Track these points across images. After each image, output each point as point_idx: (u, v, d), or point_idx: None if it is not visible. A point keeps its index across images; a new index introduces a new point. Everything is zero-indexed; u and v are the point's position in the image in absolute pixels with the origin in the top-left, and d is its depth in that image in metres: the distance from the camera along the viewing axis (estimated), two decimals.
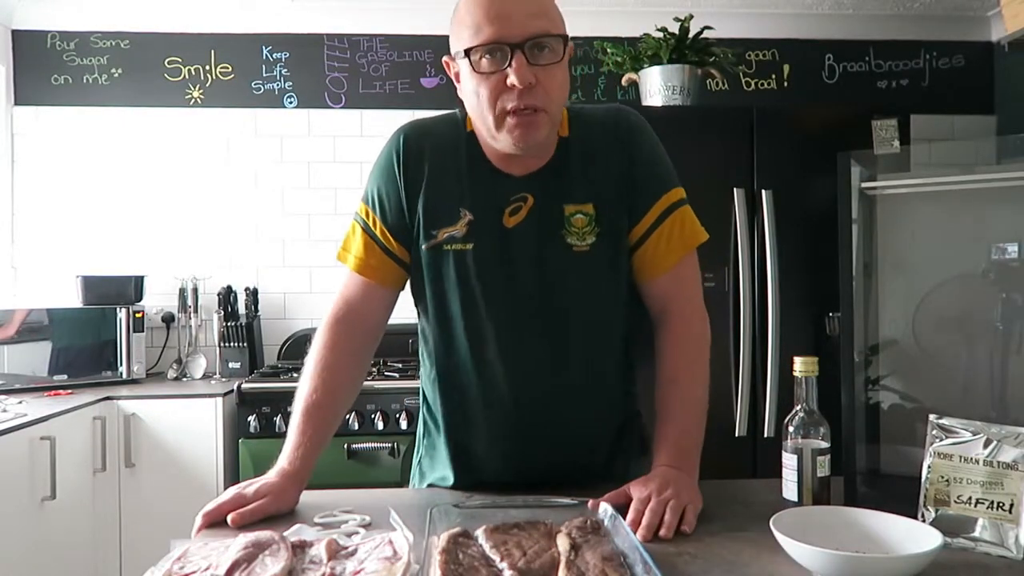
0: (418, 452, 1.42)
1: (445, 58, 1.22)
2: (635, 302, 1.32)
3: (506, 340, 1.25)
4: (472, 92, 1.15)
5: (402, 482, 1.46)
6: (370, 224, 1.28)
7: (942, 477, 1.03)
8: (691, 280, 1.30)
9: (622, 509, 1.06)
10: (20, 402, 2.62)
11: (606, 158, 1.25)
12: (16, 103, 3.36)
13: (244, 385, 2.82)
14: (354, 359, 1.30)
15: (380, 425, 2.77)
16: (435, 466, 1.36)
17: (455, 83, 1.22)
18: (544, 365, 1.26)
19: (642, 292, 1.31)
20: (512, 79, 1.10)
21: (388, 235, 1.27)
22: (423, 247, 1.25)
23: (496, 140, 1.18)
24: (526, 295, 1.24)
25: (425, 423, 1.40)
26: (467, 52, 1.12)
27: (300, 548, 0.95)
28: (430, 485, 1.35)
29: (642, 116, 1.31)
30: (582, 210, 1.23)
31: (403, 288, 1.32)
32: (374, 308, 1.31)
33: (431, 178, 1.25)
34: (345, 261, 1.31)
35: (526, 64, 1.11)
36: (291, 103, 3.45)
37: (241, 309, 3.27)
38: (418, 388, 1.42)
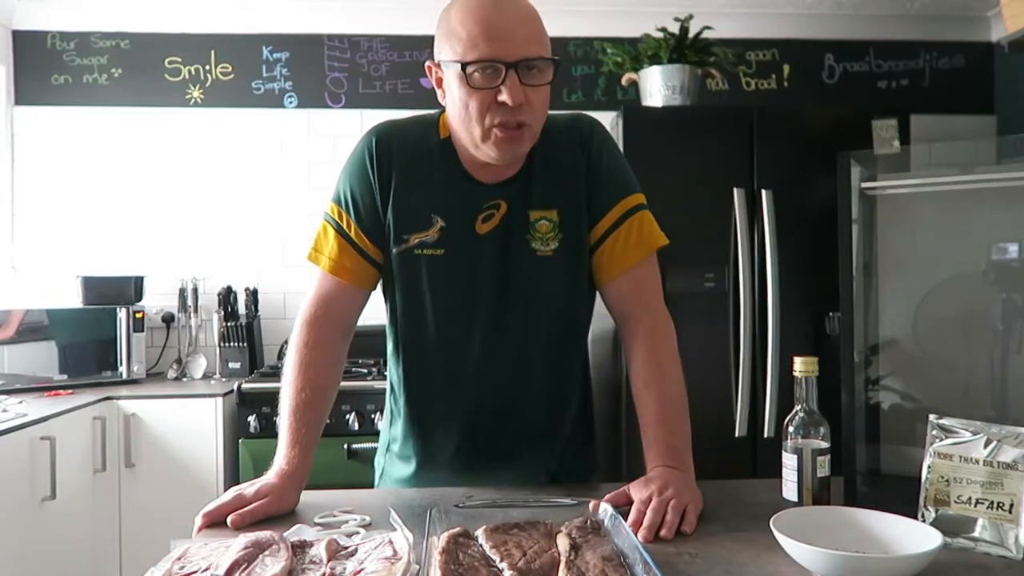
0: (385, 447, 1.44)
1: (428, 63, 1.23)
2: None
3: (474, 343, 1.28)
4: (460, 103, 1.16)
5: None
6: (343, 226, 1.29)
7: (942, 477, 1.03)
8: (651, 283, 1.32)
9: (622, 510, 1.06)
10: (20, 402, 2.61)
11: (568, 164, 1.28)
12: (16, 103, 3.36)
13: (244, 385, 2.82)
14: (334, 356, 1.32)
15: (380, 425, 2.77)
16: (400, 464, 1.38)
17: (435, 88, 1.23)
18: (508, 367, 1.29)
19: (603, 297, 1.34)
20: (504, 96, 1.13)
21: (363, 236, 1.29)
22: (394, 251, 1.27)
23: (478, 150, 1.20)
24: (494, 299, 1.27)
25: (392, 415, 1.43)
26: (463, 66, 1.13)
27: (300, 548, 0.95)
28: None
29: (602, 124, 1.35)
30: (546, 216, 1.27)
31: (375, 287, 1.34)
32: (348, 308, 1.32)
33: (403, 182, 1.27)
34: (318, 263, 1.31)
35: (519, 83, 1.13)
36: (291, 103, 3.45)
37: (241, 309, 3.27)
38: None
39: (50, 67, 3.37)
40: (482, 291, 1.26)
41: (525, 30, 1.15)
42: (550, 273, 1.27)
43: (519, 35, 1.13)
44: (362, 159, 1.29)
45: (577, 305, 1.32)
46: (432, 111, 1.33)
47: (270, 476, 1.18)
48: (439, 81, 1.22)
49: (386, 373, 2.92)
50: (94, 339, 3.01)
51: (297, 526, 1.05)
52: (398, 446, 1.39)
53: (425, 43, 3.40)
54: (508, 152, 1.20)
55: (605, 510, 1.05)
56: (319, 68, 3.45)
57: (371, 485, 1.45)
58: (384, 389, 2.75)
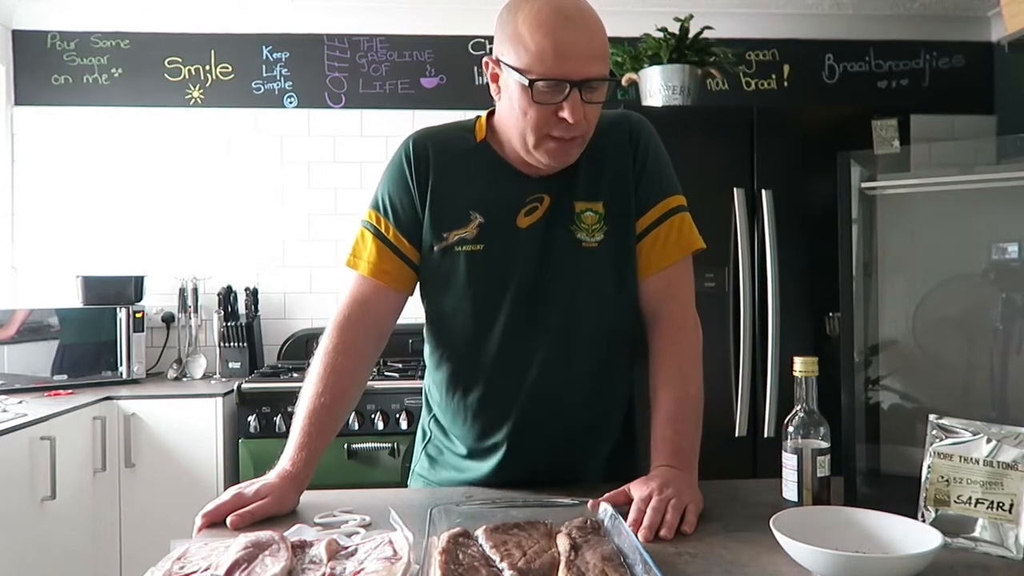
0: (418, 457, 1.42)
1: (487, 59, 1.22)
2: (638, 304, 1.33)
3: (516, 336, 1.27)
4: (519, 109, 1.17)
5: (402, 482, 1.45)
6: (382, 229, 1.30)
7: (942, 477, 1.03)
8: (685, 283, 1.32)
9: (622, 509, 1.06)
10: (20, 402, 2.62)
11: (615, 159, 1.29)
12: (16, 103, 3.36)
13: (244, 385, 2.82)
14: (362, 363, 1.31)
15: (380, 425, 2.77)
16: (441, 469, 1.36)
17: (491, 83, 1.23)
18: (553, 361, 1.27)
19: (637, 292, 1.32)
20: (565, 114, 1.15)
21: (401, 238, 1.29)
22: (434, 248, 1.27)
23: (529, 154, 1.22)
24: (536, 291, 1.26)
25: (429, 426, 1.40)
26: (529, 80, 1.13)
27: (300, 548, 0.95)
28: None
29: (649, 122, 1.34)
30: (592, 207, 1.27)
31: (412, 292, 1.34)
32: (385, 312, 1.32)
33: (441, 181, 1.28)
34: (357, 267, 1.31)
35: (580, 101, 1.15)
36: (291, 103, 3.45)
37: (241, 309, 3.27)
38: (418, 388, 1.42)
39: (50, 67, 3.37)
40: (524, 284, 1.26)
41: (592, 48, 1.15)
42: (595, 264, 1.27)
43: (586, 54, 1.14)
44: (400, 163, 1.30)
45: (623, 299, 1.30)
46: (467, 118, 1.34)
47: (271, 476, 1.18)
48: (495, 77, 1.22)
49: (388, 374, 2.94)
50: (94, 339, 3.01)
51: (297, 526, 1.05)
52: (439, 458, 1.37)
53: (425, 43, 3.44)
54: (559, 161, 1.22)
55: (605, 510, 1.05)
56: (319, 68, 3.45)
57: (371, 485, 1.45)
58: (385, 389, 2.78)
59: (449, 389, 1.33)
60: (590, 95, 1.16)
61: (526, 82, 1.14)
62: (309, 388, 1.25)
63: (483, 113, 1.33)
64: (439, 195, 1.27)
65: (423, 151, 1.29)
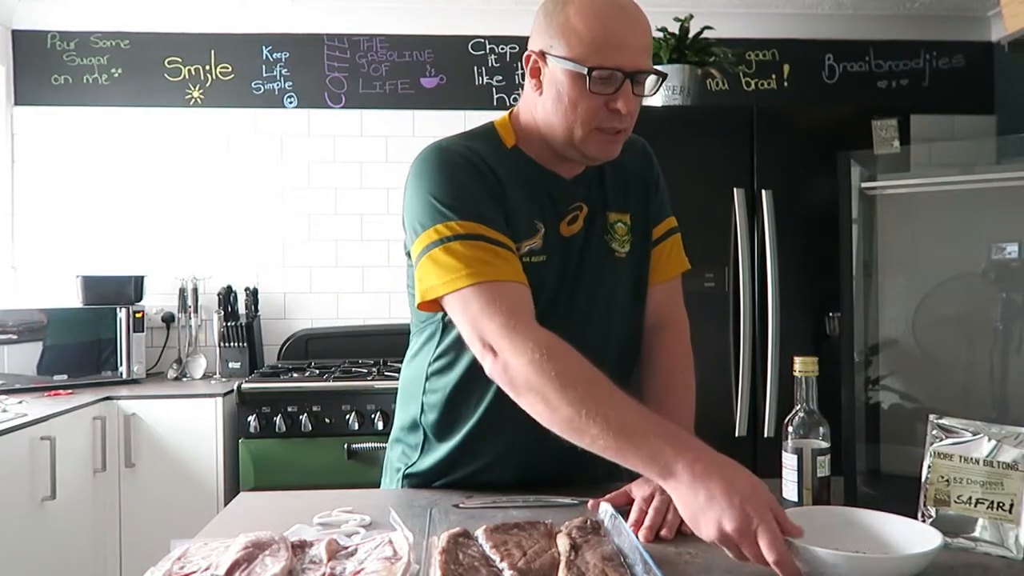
0: (411, 456, 1.39)
1: (528, 52, 1.20)
2: None
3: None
4: (568, 101, 1.15)
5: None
6: (486, 234, 1.13)
7: (942, 477, 1.03)
8: (680, 298, 1.38)
9: (622, 509, 1.06)
10: (20, 402, 2.62)
11: (638, 174, 1.34)
12: (16, 103, 3.36)
13: (244, 385, 2.81)
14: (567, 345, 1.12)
15: (380, 425, 2.77)
16: (431, 473, 1.34)
17: (530, 78, 1.20)
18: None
19: None
20: (619, 105, 1.15)
21: (502, 236, 1.15)
22: None
23: (571, 147, 1.19)
24: (581, 303, 1.26)
25: (425, 434, 1.35)
26: (589, 70, 1.12)
27: (300, 548, 0.95)
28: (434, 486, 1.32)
29: None
30: (622, 219, 1.30)
31: None
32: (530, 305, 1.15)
33: (506, 189, 1.21)
34: (485, 276, 1.10)
35: (631, 93, 1.16)
36: (291, 103, 3.45)
37: (241, 309, 3.27)
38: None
39: (50, 67, 3.37)
40: (574, 296, 1.24)
41: (644, 41, 1.16)
42: (623, 274, 1.30)
43: (639, 45, 1.15)
44: (459, 164, 1.18)
45: (641, 308, 1.33)
46: (465, 118, 1.33)
47: (711, 468, 1.02)
48: (536, 71, 1.19)
49: (388, 374, 2.92)
50: (94, 339, 3.01)
51: (297, 526, 1.05)
52: (433, 462, 1.32)
53: (425, 43, 3.44)
54: (606, 154, 1.21)
55: (605, 510, 1.05)
56: (319, 68, 3.45)
57: (371, 485, 1.45)
58: (385, 389, 2.78)
59: (465, 395, 1.26)
60: (639, 88, 1.17)
61: (584, 71, 1.12)
62: (583, 405, 1.03)
63: (496, 119, 1.28)
64: (508, 203, 1.20)
65: (477, 155, 1.19)
